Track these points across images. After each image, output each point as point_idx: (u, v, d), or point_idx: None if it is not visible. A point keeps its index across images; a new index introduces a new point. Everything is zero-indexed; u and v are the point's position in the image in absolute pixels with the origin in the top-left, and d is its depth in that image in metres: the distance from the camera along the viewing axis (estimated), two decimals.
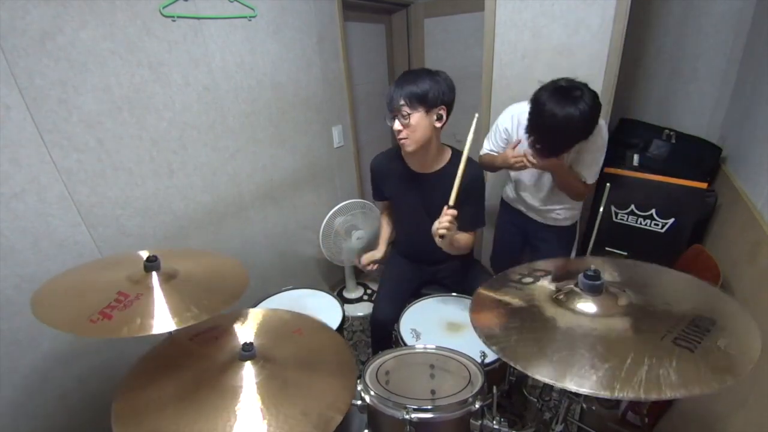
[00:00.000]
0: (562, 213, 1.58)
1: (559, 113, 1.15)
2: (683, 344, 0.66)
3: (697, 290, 0.84)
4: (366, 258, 1.55)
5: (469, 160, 1.35)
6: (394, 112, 1.24)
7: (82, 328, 0.74)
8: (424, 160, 1.36)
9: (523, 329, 0.77)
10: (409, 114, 1.21)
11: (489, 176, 2.06)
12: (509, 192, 1.75)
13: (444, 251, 1.36)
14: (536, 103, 1.23)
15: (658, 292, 0.83)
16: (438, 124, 1.27)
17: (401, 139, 1.27)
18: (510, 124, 1.53)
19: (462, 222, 1.34)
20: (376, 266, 1.55)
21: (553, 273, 0.95)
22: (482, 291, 0.93)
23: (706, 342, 0.66)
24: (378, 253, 1.57)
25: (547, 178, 1.50)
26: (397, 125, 1.25)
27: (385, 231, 1.64)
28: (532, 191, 1.58)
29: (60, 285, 0.87)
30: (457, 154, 1.39)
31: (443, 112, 1.25)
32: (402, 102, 1.21)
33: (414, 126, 1.23)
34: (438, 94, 1.21)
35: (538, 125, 1.25)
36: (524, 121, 1.39)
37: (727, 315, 0.73)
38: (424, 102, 1.21)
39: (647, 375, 0.61)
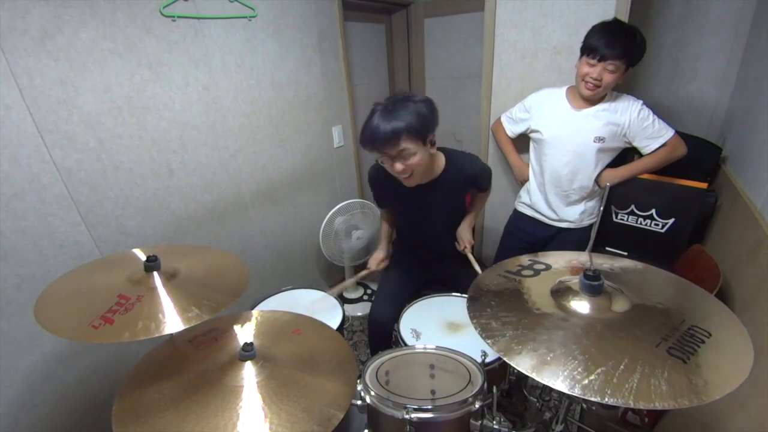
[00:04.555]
0: (586, 202, 1.61)
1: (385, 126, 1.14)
2: (677, 354, 0.66)
3: (696, 298, 0.84)
4: (373, 261, 1.55)
5: (467, 155, 1.44)
6: (390, 155, 1.18)
7: (85, 334, 0.74)
8: (421, 177, 1.33)
9: (519, 325, 0.77)
10: (412, 153, 1.18)
11: (500, 186, 2.07)
12: (525, 198, 1.77)
13: (445, 246, 1.49)
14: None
15: (657, 296, 0.83)
16: (432, 150, 1.24)
17: (403, 177, 1.24)
18: (535, 100, 1.65)
19: (480, 188, 1.50)
20: (384, 263, 1.57)
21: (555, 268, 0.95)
22: (480, 280, 0.94)
23: (700, 354, 0.66)
24: (382, 251, 1.58)
25: (584, 163, 1.53)
26: (398, 167, 1.20)
27: (386, 229, 1.65)
28: (565, 179, 1.58)
29: (61, 290, 0.87)
30: (450, 156, 1.38)
31: (434, 137, 1.23)
32: (399, 146, 1.15)
33: (418, 162, 1.20)
34: (427, 122, 1.17)
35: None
36: (543, 108, 1.60)
37: (723, 327, 0.73)
38: (423, 136, 1.17)
39: (639, 383, 0.61)
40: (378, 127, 1.14)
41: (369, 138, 1.17)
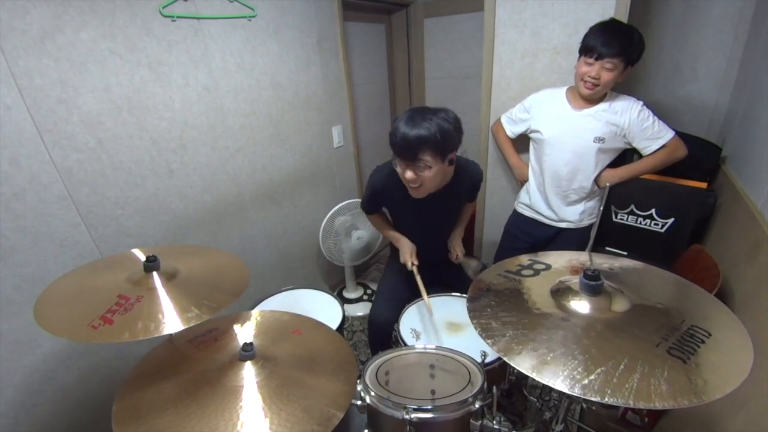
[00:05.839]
0: (585, 202, 1.62)
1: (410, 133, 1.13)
2: (677, 354, 0.66)
3: (696, 298, 0.84)
4: (411, 257, 1.45)
5: (471, 163, 1.45)
6: (407, 161, 1.16)
7: (85, 334, 0.74)
8: (429, 191, 1.30)
9: (519, 325, 0.77)
10: (428, 167, 1.15)
11: (500, 186, 2.07)
12: (525, 199, 1.77)
13: (446, 248, 1.51)
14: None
15: (657, 296, 0.83)
16: (449, 167, 1.23)
17: (412, 186, 1.23)
18: (535, 101, 1.65)
19: (471, 199, 1.57)
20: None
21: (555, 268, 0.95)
22: (481, 279, 0.94)
23: (700, 354, 0.66)
24: (409, 244, 1.49)
25: (584, 161, 1.53)
26: (409, 174, 1.18)
27: (389, 227, 1.60)
28: (564, 178, 1.58)
29: (60, 290, 0.87)
30: (457, 162, 1.36)
31: (454, 156, 1.22)
32: (420, 155, 1.13)
33: (431, 177, 1.19)
34: (450, 140, 1.14)
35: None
36: (543, 108, 1.59)
37: (723, 326, 0.73)
38: (443, 153, 1.15)
39: (639, 383, 0.61)
40: (404, 133, 1.12)
41: (393, 141, 1.16)
